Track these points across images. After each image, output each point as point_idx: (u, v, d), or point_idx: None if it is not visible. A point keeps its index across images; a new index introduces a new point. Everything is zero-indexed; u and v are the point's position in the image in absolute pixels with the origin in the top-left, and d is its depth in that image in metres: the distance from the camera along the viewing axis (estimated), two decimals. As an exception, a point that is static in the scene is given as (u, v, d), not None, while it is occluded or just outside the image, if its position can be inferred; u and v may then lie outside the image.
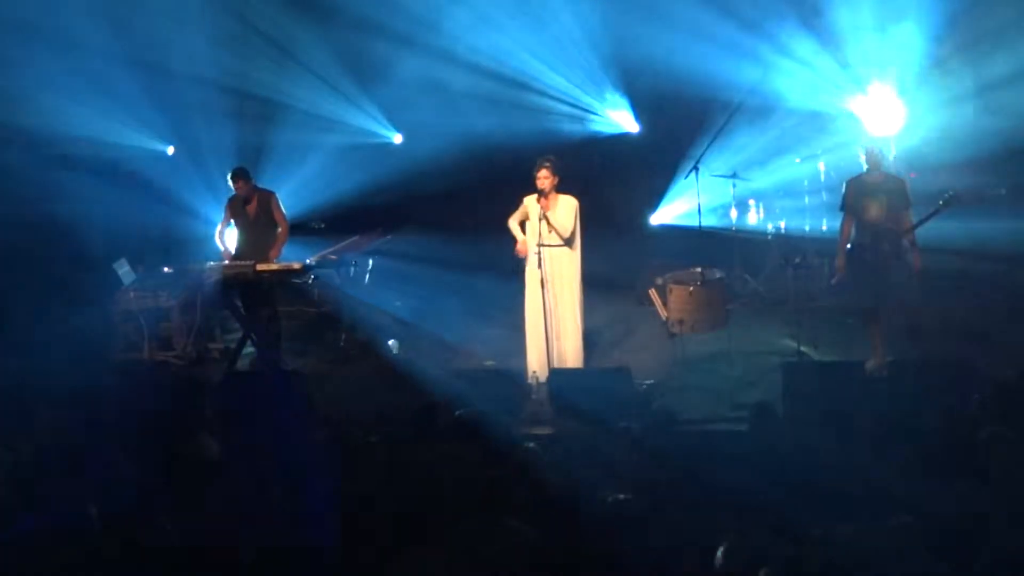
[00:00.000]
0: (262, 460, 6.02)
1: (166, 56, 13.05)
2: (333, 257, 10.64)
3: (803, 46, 12.39)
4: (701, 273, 9.59)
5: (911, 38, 11.99)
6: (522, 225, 9.22)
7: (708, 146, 10.65)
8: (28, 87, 12.05)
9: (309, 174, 13.59)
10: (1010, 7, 11.68)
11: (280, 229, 10.04)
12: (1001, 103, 11.49)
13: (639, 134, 14.17)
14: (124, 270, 10.84)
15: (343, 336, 10.62)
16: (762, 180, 12.22)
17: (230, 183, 10.01)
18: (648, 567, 4.50)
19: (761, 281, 11.77)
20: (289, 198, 11.17)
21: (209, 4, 12.90)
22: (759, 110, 12.51)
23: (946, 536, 4.50)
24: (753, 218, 12.59)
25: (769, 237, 12.16)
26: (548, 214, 8.92)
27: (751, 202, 12.46)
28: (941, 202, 8.67)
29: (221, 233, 10.16)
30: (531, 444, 6.18)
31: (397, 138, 14.77)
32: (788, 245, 11.45)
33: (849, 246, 9.05)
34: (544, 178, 8.92)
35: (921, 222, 8.76)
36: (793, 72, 12.44)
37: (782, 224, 12.29)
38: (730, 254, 11.59)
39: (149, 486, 5.63)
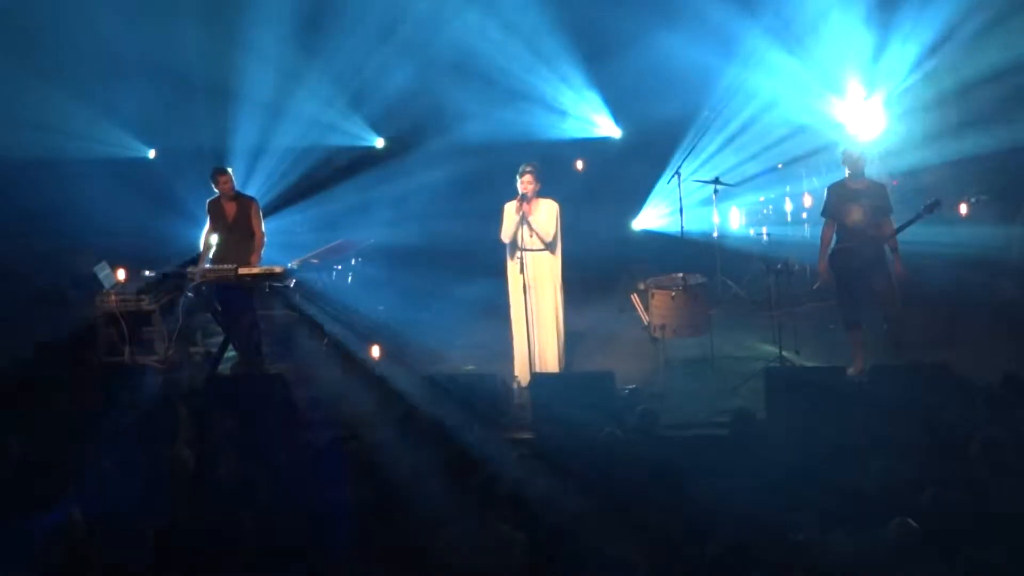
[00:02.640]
0: (245, 463, 6.01)
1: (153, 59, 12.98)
2: (315, 261, 10.60)
3: (780, 51, 12.45)
4: (683, 278, 9.61)
5: (890, 41, 12.09)
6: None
7: (689, 152, 10.66)
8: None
9: (292, 178, 13.57)
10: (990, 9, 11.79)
11: (256, 237, 10.02)
12: (981, 107, 11.58)
13: (620, 139, 14.22)
14: (104, 273, 10.74)
15: (325, 340, 10.59)
16: (744, 186, 12.25)
17: (212, 182, 9.96)
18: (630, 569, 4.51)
19: (743, 286, 11.79)
20: (272, 202, 11.09)
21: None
22: (739, 118, 12.57)
23: (930, 539, 4.53)
24: (735, 224, 12.63)
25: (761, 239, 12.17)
26: (530, 218, 8.92)
27: (733, 208, 12.49)
28: (923, 208, 8.73)
29: (206, 237, 10.10)
30: (515, 448, 6.19)
31: (379, 142, 14.77)
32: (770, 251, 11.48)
33: (831, 251, 9.09)
34: (528, 183, 8.92)
35: (903, 227, 8.80)
36: (772, 78, 12.50)
37: (764, 230, 12.32)
38: (712, 259, 11.60)
39: (131, 488, 5.61)
